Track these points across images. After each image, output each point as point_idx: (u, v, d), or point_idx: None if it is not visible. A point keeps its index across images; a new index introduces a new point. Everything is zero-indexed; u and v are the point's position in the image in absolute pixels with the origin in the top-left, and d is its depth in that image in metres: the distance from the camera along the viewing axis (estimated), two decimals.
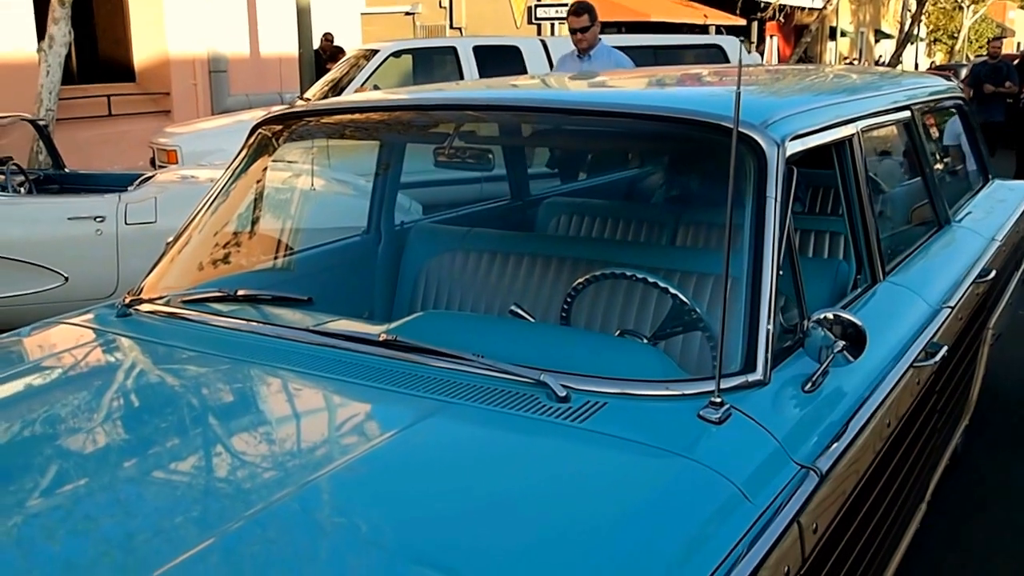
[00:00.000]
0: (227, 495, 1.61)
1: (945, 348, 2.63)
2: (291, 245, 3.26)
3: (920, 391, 2.53)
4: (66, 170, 6.56)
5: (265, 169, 2.92)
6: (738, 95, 1.81)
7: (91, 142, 10.39)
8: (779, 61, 27.97)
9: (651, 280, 2.29)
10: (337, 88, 9.09)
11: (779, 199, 2.05)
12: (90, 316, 2.43)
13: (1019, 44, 46.86)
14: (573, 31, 6.48)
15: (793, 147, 2.19)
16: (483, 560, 1.40)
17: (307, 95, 9.43)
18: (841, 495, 1.90)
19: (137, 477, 1.69)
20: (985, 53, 12.40)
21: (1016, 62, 11.77)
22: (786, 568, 1.61)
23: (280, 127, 2.87)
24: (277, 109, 3.61)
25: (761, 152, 2.09)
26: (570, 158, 4.84)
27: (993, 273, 3.52)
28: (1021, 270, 4.43)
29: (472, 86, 3.61)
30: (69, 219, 5.19)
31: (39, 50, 9.07)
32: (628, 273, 2.33)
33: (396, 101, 3.01)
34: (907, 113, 3.32)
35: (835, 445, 1.89)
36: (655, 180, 4.62)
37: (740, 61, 2.18)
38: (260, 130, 2.85)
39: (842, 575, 1.91)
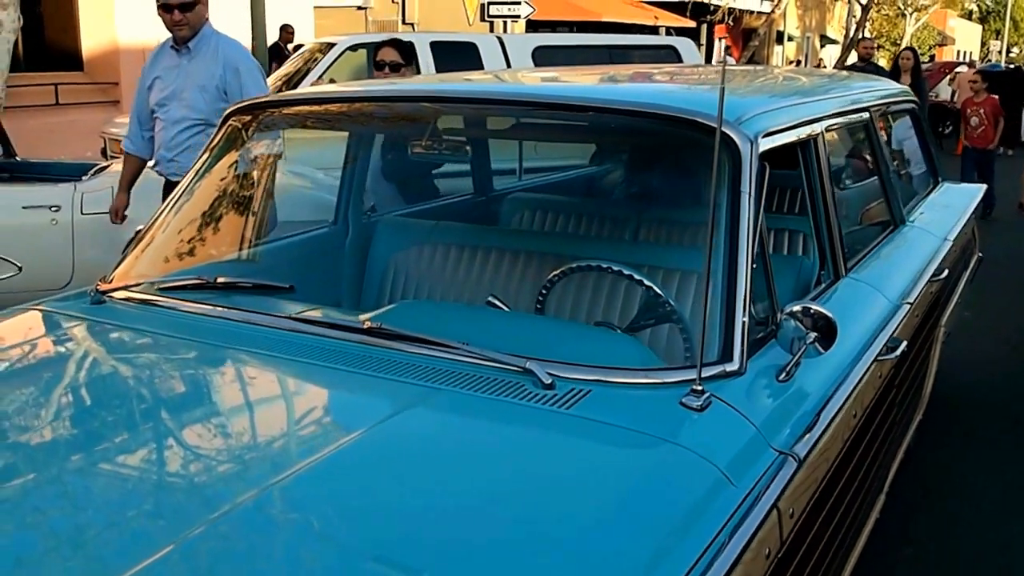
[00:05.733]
0: (211, 483, 1.61)
1: (904, 343, 2.71)
2: (260, 235, 3.24)
3: (882, 384, 2.60)
4: (17, 159, 6.44)
5: (236, 159, 2.91)
6: (722, 92, 1.85)
7: (37, 131, 10.16)
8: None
9: (627, 273, 2.33)
10: (291, 82, 9.00)
11: (753, 194, 2.10)
12: (63, 303, 2.40)
13: (959, 52, 47.80)
14: (169, 7, 4.29)
15: (765, 144, 2.24)
16: (474, 543, 1.41)
17: None
18: (814, 482, 1.96)
19: (121, 464, 1.68)
20: (926, 60, 12.57)
21: (892, 66, 11.86)
22: (767, 550, 1.66)
23: (250, 117, 2.86)
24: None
25: (736, 148, 2.13)
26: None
27: (946, 272, 3.62)
28: (968, 271, 4.56)
29: (449, 79, 3.62)
30: (24, 208, 5.10)
31: None
32: (605, 266, 2.37)
33: (367, 92, 3.01)
34: (866, 115, 3.40)
35: (809, 433, 1.94)
36: (617, 176, 4.67)
37: (724, 60, 2.23)
38: (231, 120, 2.84)
39: (813, 559, 1.97)
